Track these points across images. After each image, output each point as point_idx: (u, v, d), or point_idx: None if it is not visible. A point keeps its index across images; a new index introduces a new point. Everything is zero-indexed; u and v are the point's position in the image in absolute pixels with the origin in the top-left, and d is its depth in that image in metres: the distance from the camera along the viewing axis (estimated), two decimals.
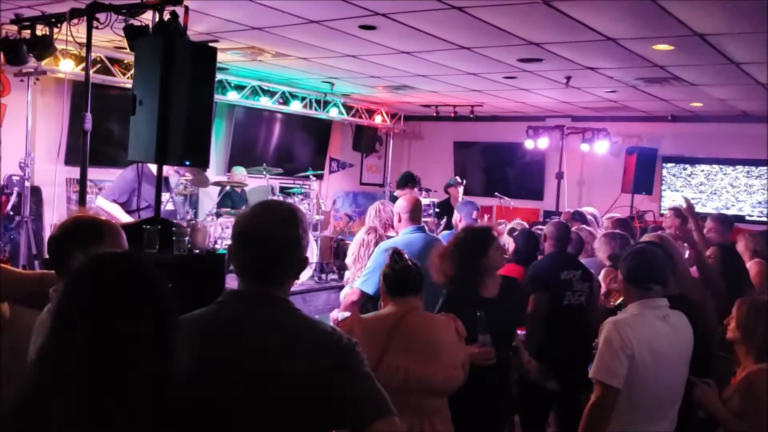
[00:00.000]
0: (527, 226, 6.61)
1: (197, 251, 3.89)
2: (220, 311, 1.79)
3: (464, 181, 8.95)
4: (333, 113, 10.86)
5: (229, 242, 6.89)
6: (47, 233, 7.37)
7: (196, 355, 1.65)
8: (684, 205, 5.35)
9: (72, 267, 1.49)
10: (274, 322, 1.73)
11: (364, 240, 4.52)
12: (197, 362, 1.64)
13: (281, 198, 8.65)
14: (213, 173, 9.17)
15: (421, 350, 2.86)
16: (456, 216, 6.15)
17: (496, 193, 10.32)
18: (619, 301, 3.76)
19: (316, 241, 8.68)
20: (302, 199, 8.88)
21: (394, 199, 6.04)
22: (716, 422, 2.88)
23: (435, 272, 3.46)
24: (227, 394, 1.65)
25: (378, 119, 11.99)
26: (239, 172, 9.02)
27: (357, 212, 12.06)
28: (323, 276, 8.44)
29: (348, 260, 4.57)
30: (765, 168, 9.81)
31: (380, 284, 3.08)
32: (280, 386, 1.66)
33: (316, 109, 10.53)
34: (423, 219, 7.34)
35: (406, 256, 3.09)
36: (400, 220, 4.49)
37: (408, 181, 7.87)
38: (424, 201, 8.65)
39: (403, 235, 4.43)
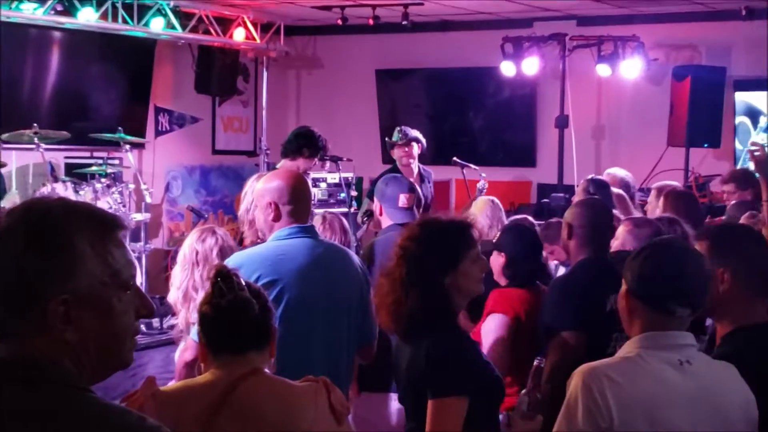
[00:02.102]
0: (499, 212, 6.82)
1: None
2: None
3: (419, 138, 9.02)
4: (156, 27, 10.93)
5: None
6: None
7: None
8: (756, 152, 5.15)
9: None
10: (36, 412, 1.78)
11: (195, 253, 4.61)
12: None
13: (67, 185, 9.04)
14: None
15: None
16: (376, 204, 6.19)
17: (454, 159, 10.22)
18: None
19: (139, 259, 8.90)
20: (108, 185, 8.81)
21: None
22: None
23: (382, 315, 3.67)
24: None
25: (239, 35, 12.00)
26: None
27: (210, 203, 12.42)
28: (156, 321, 8.39)
29: (172, 295, 4.67)
30: None
31: (198, 332, 3.19)
32: None
33: (125, 21, 10.61)
34: (331, 209, 7.22)
35: (242, 280, 3.14)
36: (276, 217, 4.44)
37: (305, 143, 7.74)
38: (330, 177, 9.34)
39: (274, 242, 4.43)
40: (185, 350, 4.34)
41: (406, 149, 8.82)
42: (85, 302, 1.83)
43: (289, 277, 4.29)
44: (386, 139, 9.21)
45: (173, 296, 4.66)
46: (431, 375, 3.47)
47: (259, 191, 4.61)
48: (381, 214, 6.10)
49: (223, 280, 3.09)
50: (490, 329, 4.82)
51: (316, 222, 5.73)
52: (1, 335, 1.86)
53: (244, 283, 3.14)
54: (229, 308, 3.05)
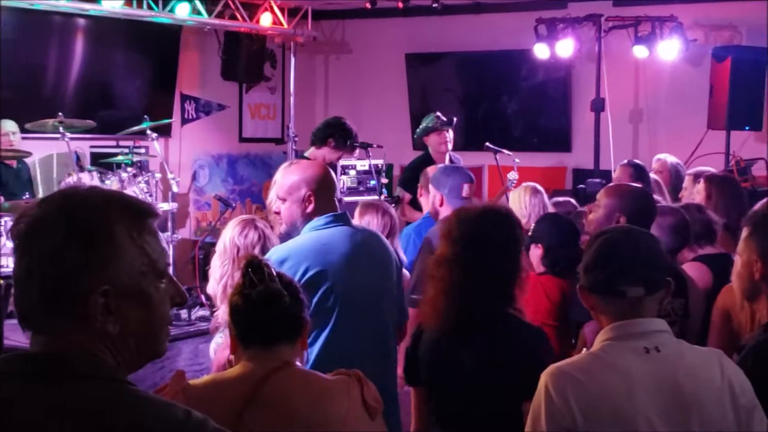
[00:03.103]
0: (542, 196, 6.94)
1: None
2: None
3: (454, 120, 9.03)
4: (182, 12, 11.03)
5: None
6: None
7: None
8: None
9: None
10: (71, 407, 1.77)
11: (236, 249, 4.55)
12: None
13: (93, 174, 9.07)
14: None
15: None
16: (433, 194, 6.16)
17: (487, 144, 10.18)
18: None
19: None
20: (134, 175, 9.10)
21: None
22: None
23: (439, 304, 3.68)
24: None
25: (266, 20, 12.12)
26: (8, 130, 9.26)
27: (237, 192, 12.56)
28: (185, 313, 8.78)
29: (211, 287, 4.61)
30: None
31: (228, 323, 3.20)
32: None
33: (150, 7, 10.70)
34: (360, 197, 7.21)
35: (274, 271, 3.15)
36: (315, 208, 4.47)
37: (332, 133, 7.86)
38: (360, 165, 9.48)
39: (313, 233, 4.45)
40: (224, 348, 4.26)
41: (446, 135, 8.81)
42: (125, 293, 1.85)
43: (336, 267, 4.34)
44: (422, 124, 9.16)
45: (212, 288, 4.63)
46: (523, 373, 3.44)
47: (291, 184, 4.57)
48: (441, 205, 6.10)
49: (253, 270, 3.07)
50: None
51: (368, 210, 5.95)
52: (37, 328, 1.87)
53: (275, 274, 3.12)
54: (260, 299, 3.04)
